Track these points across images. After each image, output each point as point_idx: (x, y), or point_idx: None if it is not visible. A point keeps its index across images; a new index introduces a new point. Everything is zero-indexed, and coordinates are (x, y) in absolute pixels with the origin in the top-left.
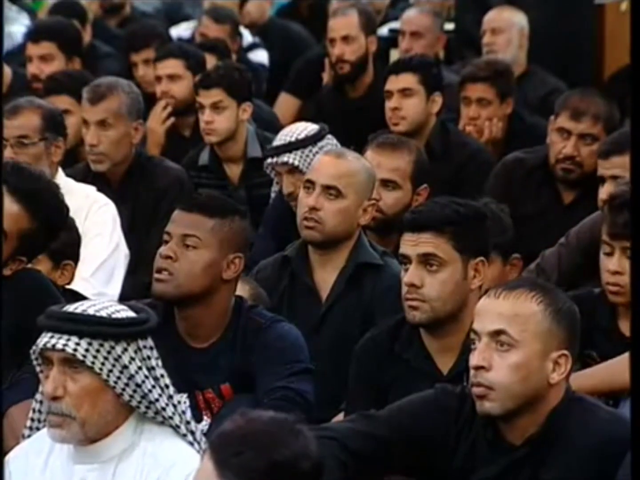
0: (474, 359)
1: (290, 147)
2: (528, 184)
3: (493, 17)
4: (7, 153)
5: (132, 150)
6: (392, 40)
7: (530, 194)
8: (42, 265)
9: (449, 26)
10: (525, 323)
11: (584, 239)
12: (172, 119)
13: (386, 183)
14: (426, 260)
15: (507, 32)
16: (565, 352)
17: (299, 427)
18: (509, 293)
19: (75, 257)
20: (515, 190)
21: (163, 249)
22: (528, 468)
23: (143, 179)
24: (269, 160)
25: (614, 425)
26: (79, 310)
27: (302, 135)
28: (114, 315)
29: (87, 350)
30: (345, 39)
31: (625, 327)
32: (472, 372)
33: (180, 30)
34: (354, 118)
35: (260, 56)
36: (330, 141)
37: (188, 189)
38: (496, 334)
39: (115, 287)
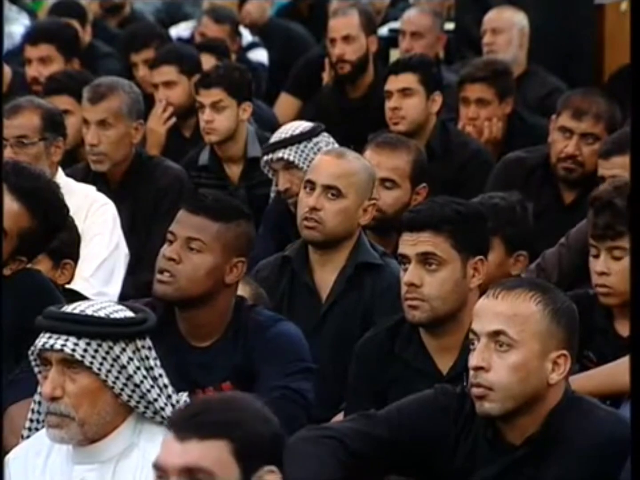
0: (473, 360)
1: (285, 142)
2: (529, 184)
3: (493, 17)
4: (7, 153)
5: (132, 150)
6: (392, 40)
7: (531, 193)
8: (42, 264)
9: (449, 26)
10: (524, 323)
11: (583, 240)
12: (173, 119)
13: (385, 182)
14: (425, 259)
15: (507, 32)
16: (565, 352)
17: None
18: (507, 293)
19: (75, 257)
20: (516, 189)
21: (166, 250)
22: (528, 468)
23: (143, 179)
24: (265, 157)
25: (614, 425)
26: (77, 311)
27: (297, 132)
28: (112, 316)
29: (85, 350)
30: (346, 38)
31: (621, 327)
32: (471, 372)
33: (180, 30)
34: (354, 118)
35: (260, 55)
36: (325, 138)
37: (188, 188)
38: (495, 334)
39: (115, 287)
